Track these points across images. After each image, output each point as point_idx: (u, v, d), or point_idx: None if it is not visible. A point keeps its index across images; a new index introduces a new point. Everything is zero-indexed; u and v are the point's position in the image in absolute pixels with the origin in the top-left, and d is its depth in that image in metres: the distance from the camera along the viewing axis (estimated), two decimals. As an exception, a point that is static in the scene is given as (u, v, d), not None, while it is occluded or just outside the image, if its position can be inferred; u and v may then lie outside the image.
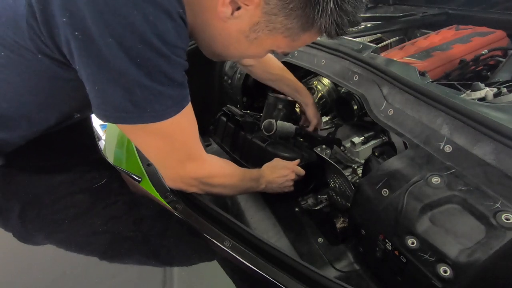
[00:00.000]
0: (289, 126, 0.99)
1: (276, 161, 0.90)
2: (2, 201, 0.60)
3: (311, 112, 1.07)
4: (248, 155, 1.06)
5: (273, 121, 0.94)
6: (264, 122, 0.95)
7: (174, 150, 0.60)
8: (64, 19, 0.44)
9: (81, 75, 0.49)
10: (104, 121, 0.51)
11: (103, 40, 0.44)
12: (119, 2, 0.43)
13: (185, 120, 0.57)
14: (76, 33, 0.44)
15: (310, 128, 1.09)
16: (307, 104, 1.06)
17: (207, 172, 0.66)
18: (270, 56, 1.04)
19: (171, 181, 0.65)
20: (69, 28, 0.44)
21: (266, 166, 0.88)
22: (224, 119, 1.18)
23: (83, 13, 0.43)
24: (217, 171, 0.70)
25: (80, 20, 0.44)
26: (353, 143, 0.98)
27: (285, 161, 0.89)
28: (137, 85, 0.47)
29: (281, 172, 0.87)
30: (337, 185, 0.90)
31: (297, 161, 0.90)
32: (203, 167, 0.65)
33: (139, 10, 0.44)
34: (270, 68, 1.03)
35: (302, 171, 0.90)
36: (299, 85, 1.06)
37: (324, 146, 0.95)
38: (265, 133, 0.94)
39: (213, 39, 0.58)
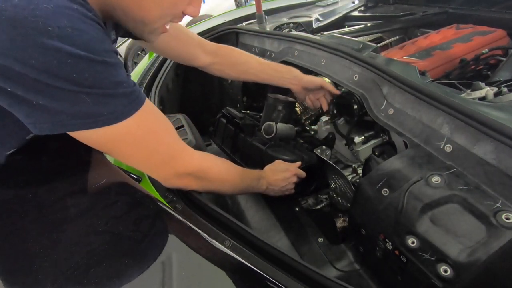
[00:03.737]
0: (289, 128, 0.99)
1: (278, 163, 0.89)
2: (2, 201, 0.60)
3: (308, 80, 0.97)
4: (248, 157, 1.06)
5: (273, 123, 0.94)
6: (264, 125, 0.95)
7: (153, 152, 0.59)
8: None
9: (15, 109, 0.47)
10: (59, 132, 0.49)
11: (27, 70, 0.42)
12: (29, 24, 0.41)
13: (151, 117, 0.56)
14: None
15: (324, 103, 0.99)
16: (297, 77, 0.98)
17: (198, 166, 0.66)
18: (232, 47, 1.01)
19: (165, 181, 0.64)
20: None
21: (268, 167, 0.88)
22: (224, 121, 1.18)
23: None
24: (209, 164, 0.69)
25: None
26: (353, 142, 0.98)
27: (287, 163, 0.89)
28: (85, 95, 0.46)
29: (282, 174, 0.86)
30: (337, 186, 0.89)
31: (299, 163, 0.90)
32: (191, 161, 0.65)
33: (53, 26, 0.41)
34: (235, 58, 0.99)
35: (303, 174, 0.90)
36: (276, 65, 1.00)
37: (324, 147, 0.95)
38: (265, 136, 0.95)
39: (127, 9, 0.54)
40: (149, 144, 0.58)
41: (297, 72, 0.99)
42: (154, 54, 1.35)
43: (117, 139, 0.54)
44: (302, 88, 0.99)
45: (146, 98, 0.55)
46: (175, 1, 0.56)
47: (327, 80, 1.10)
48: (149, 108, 0.56)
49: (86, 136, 0.52)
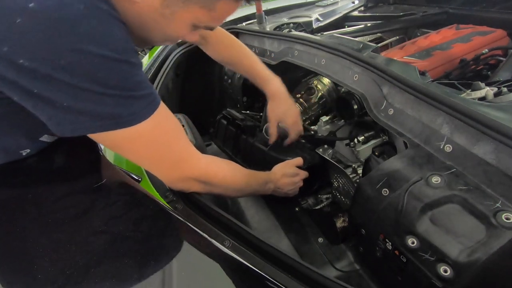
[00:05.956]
0: None
1: (288, 167, 0.88)
2: (2, 201, 0.60)
3: (272, 110, 0.94)
4: (250, 158, 1.06)
5: None
6: (265, 126, 0.95)
7: (164, 154, 0.59)
8: (4, 49, 0.41)
9: (37, 107, 0.47)
10: (78, 134, 0.50)
11: (55, 71, 0.43)
12: (60, 26, 0.42)
13: (165, 120, 0.57)
14: (18, 64, 0.42)
15: (288, 141, 0.96)
16: (270, 96, 0.95)
17: (204, 171, 0.66)
18: (224, 37, 0.97)
19: (169, 183, 0.65)
20: (10, 60, 0.42)
21: (278, 170, 0.87)
22: (224, 122, 1.17)
23: (27, 44, 0.41)
24: (215, 170, 0.69)
25: (23, 52, 0.41)
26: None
27: (296, 168, 0.89)
28: (107, 97, 0.47)
29: (292, 179, 0.87)
30: (340, 185, 0.90)
31: (306, 173, 0.91)
32: (198, 166, 0.65)
33: (83, 27, 0.43)
34: (221, 51, 0.98)
35: (306, 175, 0.91)
36: (259, 74, 0.95)
37: (326, 146, 0.95)
38: (266, 136, 0.95)
39: (133, 26, 0.55)
40: (160, 147, 0.58)
41: (272, 90, 0.95)
42: (154, 54, 1.35)
43: (131, 141, 0.54)
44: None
45: (161, 100, 0.56)
46: (177, 31, 0.58)
47: (327, 81, 1.11)
48: (164, 111, 0.56)
49: (101, 136, 0.52)
